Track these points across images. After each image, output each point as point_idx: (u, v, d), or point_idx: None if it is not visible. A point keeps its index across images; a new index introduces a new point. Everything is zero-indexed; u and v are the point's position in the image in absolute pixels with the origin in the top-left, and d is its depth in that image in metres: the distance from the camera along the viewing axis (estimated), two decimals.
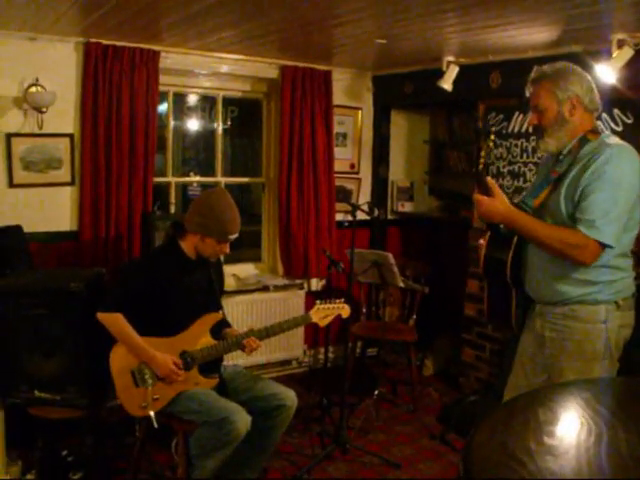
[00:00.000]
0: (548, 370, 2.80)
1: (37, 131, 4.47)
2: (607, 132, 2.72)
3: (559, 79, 2.65)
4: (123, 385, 3.29)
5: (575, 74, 2.67)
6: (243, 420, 3.15)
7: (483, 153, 2.77)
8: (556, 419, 1.71)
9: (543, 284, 2.77)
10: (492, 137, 2.82)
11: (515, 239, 2.82)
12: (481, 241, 3.02)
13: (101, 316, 3.27)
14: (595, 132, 2.67)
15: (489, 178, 2.72)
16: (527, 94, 2.77)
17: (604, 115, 4.05)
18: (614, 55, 3.70)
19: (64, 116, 4.59)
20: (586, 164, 2.57)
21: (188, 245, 3.39)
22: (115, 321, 3.25)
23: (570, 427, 1.66)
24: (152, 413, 3.14)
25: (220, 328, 3.56)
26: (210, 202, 3.33)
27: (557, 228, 2.62)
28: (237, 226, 3.36)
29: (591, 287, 2.63)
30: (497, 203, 2.66)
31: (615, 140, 2.63)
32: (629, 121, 4.02)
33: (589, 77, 2.71)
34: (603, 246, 2.53)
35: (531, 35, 3.93)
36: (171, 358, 3.27)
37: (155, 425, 3.12)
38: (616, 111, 4.05)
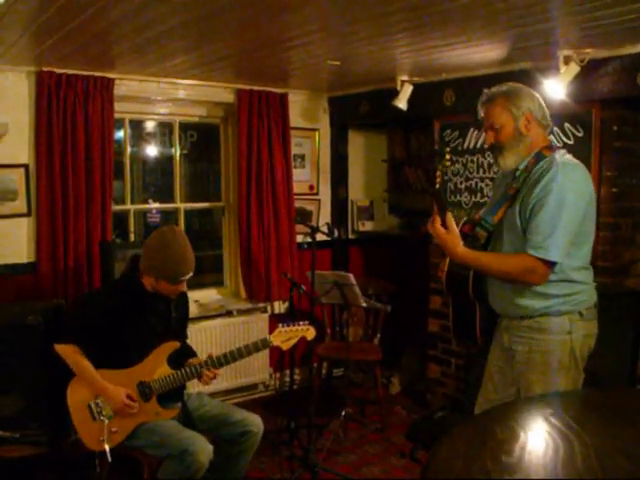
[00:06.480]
0: (517, 383, 2.84)
1: None
2: (561, 150, 2.77)
3: (512, 96, 2.73)
4: (81, 419, 3.23)
5: (525, 91, 2.76)
6: (204, 450, 3.11)
7: (439, 173, 2.80)
8: (514, 437, 1.72)
9: (506, 299, 2.81)
10: (447, 157, 2.85)
11: None
12: (439, 274, 3.01)
13: (58, 347, 3.23)
14: (550, 148, 2.74)
15: (449, 214, 2.73)
16: (480, 116, 2.82)
17: (556, 129, 4.13)
18: (562, 71, 3.79)
19: (18, 146, 4.51)
20: (537, 180, 2.64)
21: (146, 281, 3.36)
22: (71, 352, 3.21)
23: (527, 444, 1.67)
24: (107, 447, 3.05)
25: (184, 358, 3.52)
26: (160, 245, 3.28)
27: (504, 259, 2.71)
28: (189, 267, 3.31)
29: (553, 300, 2.68)
30: (449, 242, 2.71)
31: (563, 157, 2.70)
32: (579, 134, 4.09)
33: (537, 95, 2.79)
34: (551, 264, 2.59)
35: (482, 53, 3.98)
36: (124, 390, 3.22)
37: (109, 459, 3.03)
38: (567, 125, 4.12)
